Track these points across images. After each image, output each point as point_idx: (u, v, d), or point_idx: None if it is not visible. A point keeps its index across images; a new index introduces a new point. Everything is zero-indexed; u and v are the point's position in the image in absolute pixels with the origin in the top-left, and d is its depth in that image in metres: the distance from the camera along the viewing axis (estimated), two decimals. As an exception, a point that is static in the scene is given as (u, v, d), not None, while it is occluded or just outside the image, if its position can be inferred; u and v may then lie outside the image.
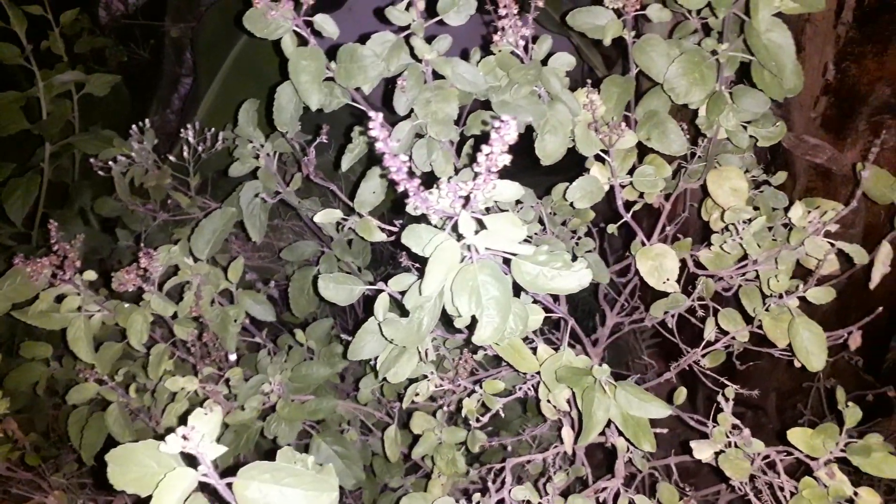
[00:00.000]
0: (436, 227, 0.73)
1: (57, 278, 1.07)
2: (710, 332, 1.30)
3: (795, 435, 0.92)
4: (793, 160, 1.75)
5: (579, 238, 1.35)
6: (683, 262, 1.32)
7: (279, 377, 1.20)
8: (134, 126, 1.61)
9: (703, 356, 1.34)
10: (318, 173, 1.30)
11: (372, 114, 0.59)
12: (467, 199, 0.69)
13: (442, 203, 0.67)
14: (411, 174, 0.66)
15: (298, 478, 0.63)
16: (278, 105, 1.01)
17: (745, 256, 1.23)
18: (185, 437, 0.60)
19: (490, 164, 0.63)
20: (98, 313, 1.16)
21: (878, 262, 1.26)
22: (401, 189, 0.65)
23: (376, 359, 0.98)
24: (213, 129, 1.67)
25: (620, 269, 1.56)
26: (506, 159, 0.62)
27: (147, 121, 1.62)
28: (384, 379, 0.96)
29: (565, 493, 1.01)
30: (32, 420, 1.76)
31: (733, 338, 1.28)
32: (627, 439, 0.92)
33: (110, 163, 1.59)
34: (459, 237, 0.70)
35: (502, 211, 0.95)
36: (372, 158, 1.05)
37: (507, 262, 0.77)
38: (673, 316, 1.40)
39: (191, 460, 0.63)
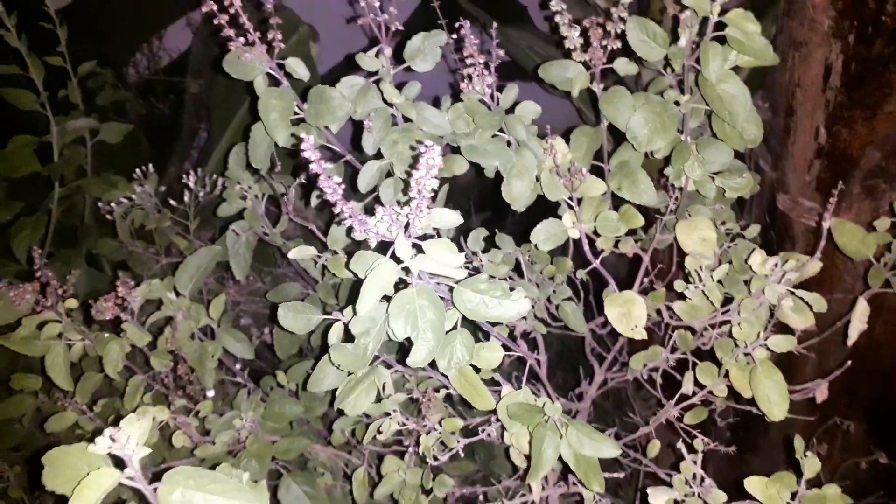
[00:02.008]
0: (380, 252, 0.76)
1: (39, 304, 1.12)
2: (688, 387, 1.29)
3: (752, 483, 0.91)
4: (790, 222, 1.76)
5: (559, 285, 1.36)
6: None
7: (251, 413, 1.22)
8: (137, 170, 1.69)
9: (684, 412, 1.33)
10: (304, 214, 1.35)
11: (303, 135, 0.63)
12: (407, 225, 0.72)
13: (380, 227, 0.70)
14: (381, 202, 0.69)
15: (222, 485, 0.64)
16: (252, 143, 1.07)
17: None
18: (112, 439, 0.62)
19: (420, 188, 0.66)
20: (80, 342, 1.20)
21: (854, 320, 1.26)
22: (336, 210, 0.68)
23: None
24: (214, 176, 1.74)
25: (605, 321, 1.57)
26: (433, 184, 0.65)
27: (150, 166, 1.70)
28: (341, 412, 0.98)
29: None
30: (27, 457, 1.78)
31: (711, 392, 1.27)
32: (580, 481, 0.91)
33: (112, 204, 1.66)
34: (398, 261, 0.73)
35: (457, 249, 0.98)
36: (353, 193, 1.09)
37: (451, 290, 0.79)
38: (656, 370, 1.40)
39: (121, 464, 0.65)
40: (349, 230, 0.73)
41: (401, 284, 0.76)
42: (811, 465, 0.91)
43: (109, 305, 1.11)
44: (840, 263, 1.71)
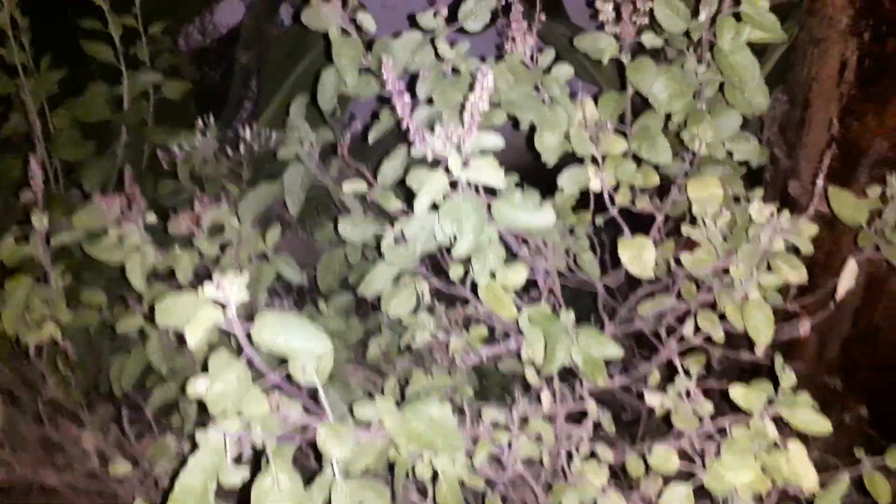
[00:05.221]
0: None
1: (123, 215, 1.29)
2: (687, 330, 1.43)
3: (736, 391, 1.06)
4: (800, 208, 1.88)
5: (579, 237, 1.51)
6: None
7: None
8: (199, 120, 1.88)
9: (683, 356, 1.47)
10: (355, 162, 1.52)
11: (384, 58, 0.79)
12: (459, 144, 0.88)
13: (436, 143, 0.86)
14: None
15: (302, 328, 0.80)
16: (322, 86, 1.24)
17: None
18: (218, 286, 0.78)
19: (473, 110, 0.82)
20: (153, 256, 1.37)
21: (842, 278, 1.39)
22: (404, 126, 0.84)
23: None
24: (268, 131, 1.92)
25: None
26: (485, 105, 0.81)
27: (212, 117, 1.88)
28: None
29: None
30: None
31: (709, 339, 1.41)
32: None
33: (176, 149, 1.84)
34: (449, 174, 0.89)
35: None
36: (398, 140, 1.25)
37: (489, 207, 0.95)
38: (662, 321, 1.53)
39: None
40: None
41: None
42: (787, 378, 1.06)
43: (186, 220, 1.28)
44: (844, 247, 1.82)
